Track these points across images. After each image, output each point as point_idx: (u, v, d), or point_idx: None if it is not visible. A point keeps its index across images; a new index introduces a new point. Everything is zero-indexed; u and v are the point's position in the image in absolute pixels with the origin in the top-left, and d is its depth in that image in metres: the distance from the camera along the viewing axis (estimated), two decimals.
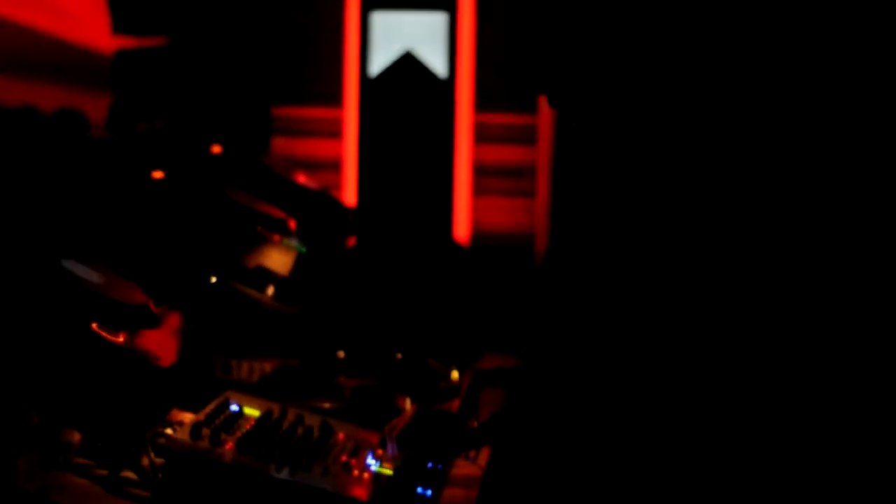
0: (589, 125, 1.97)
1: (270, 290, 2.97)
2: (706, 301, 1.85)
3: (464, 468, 2.54)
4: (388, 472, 2.29)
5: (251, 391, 2.62)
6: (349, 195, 6.26)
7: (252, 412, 2.42)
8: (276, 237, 3.06)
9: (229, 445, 2.21)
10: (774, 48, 1.89)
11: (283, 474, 2.16)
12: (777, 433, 1.84)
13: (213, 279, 2.84)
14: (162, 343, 2.57)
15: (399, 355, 3.14)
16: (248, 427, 2.33)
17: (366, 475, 2.24)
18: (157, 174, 3.07)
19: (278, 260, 3.02)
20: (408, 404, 2.94)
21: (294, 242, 3.13)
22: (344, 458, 2.30)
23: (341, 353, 3.16)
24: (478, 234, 6.33)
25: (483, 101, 6.43)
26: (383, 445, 2.34)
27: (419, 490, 2.29)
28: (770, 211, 1.85)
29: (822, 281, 1.84)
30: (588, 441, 1.90)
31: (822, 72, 1.88)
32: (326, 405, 2.83)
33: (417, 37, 6.46)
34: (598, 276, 1.91)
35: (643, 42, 1.92)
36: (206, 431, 2.22)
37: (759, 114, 1.88)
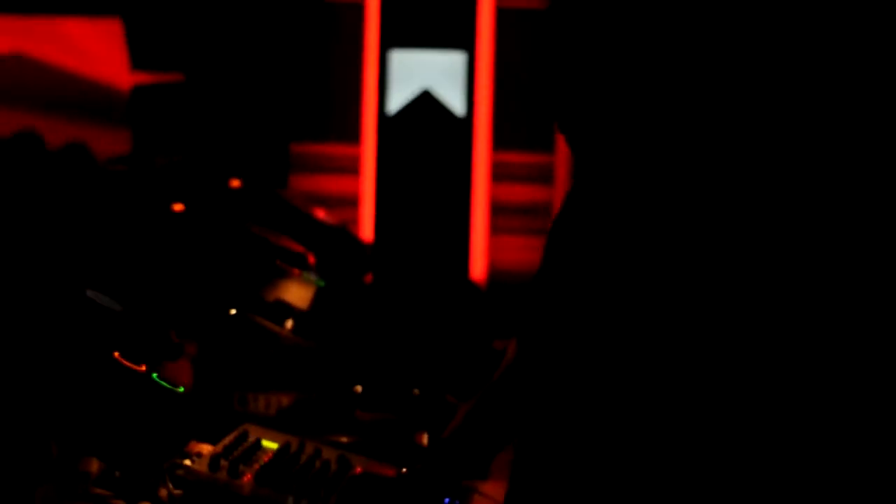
0: (600, 156, 1.97)
1: (289, 324, 2.97)
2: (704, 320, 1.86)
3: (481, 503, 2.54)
4: None
5: (269, 424, 2.62)
6: (366, 231, 6.28)
7: (270, 445, 2.42)
8: (296, 271, 3.07)
9: (247, 477, 2.21)
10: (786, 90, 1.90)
11: None
12: (772, 433, 1.84)
13: (233, 312, 2.85)
14: (178, 372, 2.57)
15: (416, 391, 3.14)
16: (266, 459, 2.33)
17: None
18: (178, 207, 3.09)
19: (297, 294, 3.03)
20: (425, 440, 2.93)
21: (313, 277, 3.14)
22: None
23: (359, 388, 3.16)
24: (494, 273, 6.33)
25: (500, 139, 6.45)
26: None
27: None
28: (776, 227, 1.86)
29: (814, 282, 1.84)
30: (606, 472, 1.89)
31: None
32: (344, 439, 2.82)
33: (436, 76, 6.49)
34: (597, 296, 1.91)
35: (656, 75, 1.93)
36: (224, 463, 2.22)
37: (767, 164, 1.88)
